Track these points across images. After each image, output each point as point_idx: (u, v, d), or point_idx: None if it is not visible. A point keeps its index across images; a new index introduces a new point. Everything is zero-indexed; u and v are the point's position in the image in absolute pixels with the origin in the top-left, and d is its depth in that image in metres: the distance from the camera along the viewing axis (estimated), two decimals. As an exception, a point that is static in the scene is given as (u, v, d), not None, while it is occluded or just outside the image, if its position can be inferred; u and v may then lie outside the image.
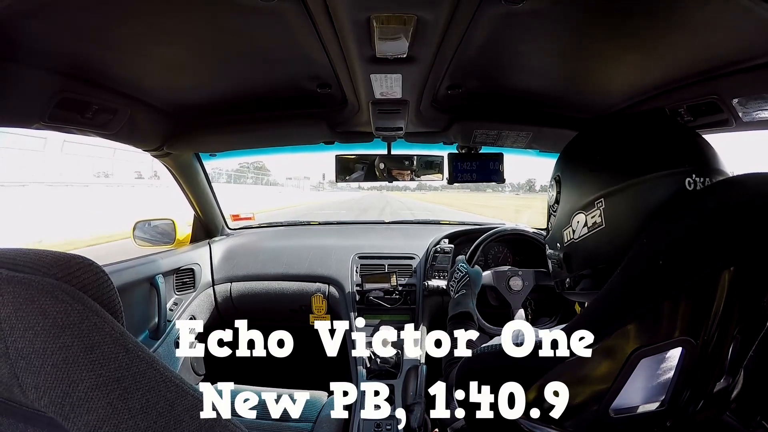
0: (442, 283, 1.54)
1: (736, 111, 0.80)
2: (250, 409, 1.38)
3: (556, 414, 0.48)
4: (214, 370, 1.80)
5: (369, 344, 1.52)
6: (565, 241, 0.59)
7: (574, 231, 0.57)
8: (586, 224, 0.55)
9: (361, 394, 1.36)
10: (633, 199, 0.50)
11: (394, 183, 1.44)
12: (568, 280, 0.62)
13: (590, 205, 0.54)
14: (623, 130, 0.57)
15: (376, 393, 1.35)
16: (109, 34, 0.71)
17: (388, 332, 1.40)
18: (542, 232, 1.49)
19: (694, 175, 0.48)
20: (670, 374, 0.48)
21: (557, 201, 0.61)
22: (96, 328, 0.35)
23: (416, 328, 1.59)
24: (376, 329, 1.58)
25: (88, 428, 0.33)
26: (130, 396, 0.35)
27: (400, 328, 1.57)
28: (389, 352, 1.43)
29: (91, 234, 8.43)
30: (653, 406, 0.48)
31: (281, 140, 1.37)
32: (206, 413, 0.39)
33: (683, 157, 0.50)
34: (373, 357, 1.45)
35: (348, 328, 1.59)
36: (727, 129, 0.86)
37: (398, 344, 1.51)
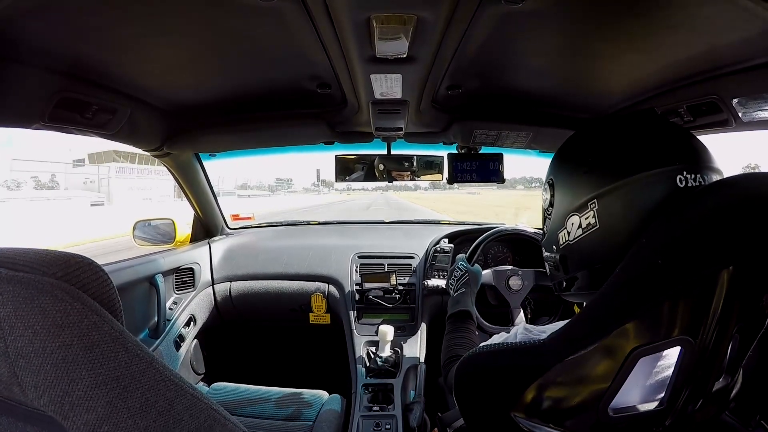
0: (441, 283, 1.55)
1: (735, 111, 0.80)
2: (250, 408, 1.40)
3: (555, 413, 0.48)
4: (214, 369, 1.80)
5: (368, 343, 1.52)
6: (561, 243, 0.59)
7: (569, 233, 0.57)
8: (580, 226, 0.55)
9: (361, 393, 1.36)
10: (625, 198, 0.50)
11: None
12: (565, 281, 0.62)
13: (583, 207, 0.54)
14: (613, 130, 0.57)
15: (376, 392, 1.36)
16: (109, 34, 0.71)
17: (387, 332, 1.41)
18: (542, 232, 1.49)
19: (685, 173, 0.49)
20: (669, 373, 0.48)
21: (551, 204, 0.61)
22: (95, 327, 0.35)
23: (416, 328, 1.59)
24: (376, 329, 1.58)
25: (87, 427, 0.33)
26: (130, 395, 0.35)
27: (399, 328, 1.57)
28: (389, 351, 1.43)
29: None
30: (652, 406, 0.48)
31: (281, 140, 1.37)
32: (205, 412, 0.39)
33: (673, 155, 0.50)
34: (372, 356, 1.45)
35: (348, 327, 1.60)
36: (727, 129, 0.86)
37: (397, 344, 1.51)
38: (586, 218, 0.54)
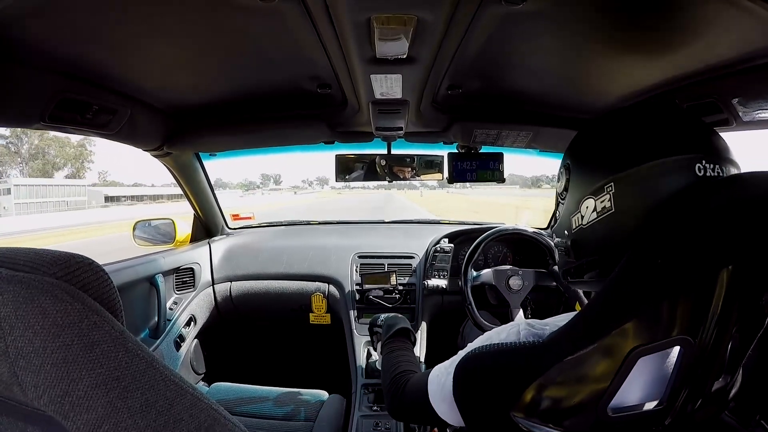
0: (441, 283, 1.54)
1: (736, 110, 0.80)
2: (250, 408, 1.40)
3: (554, 413, 0.48)
4: (214, 369, 1.80)
5: (368, 343, 1.53)
6: (573, 227, 0.59)
7: (582, 217, 0.57)
8: (595, 209, 0.54)
9: (361, 393, 1.36)
10: (643, 183, 0.50)
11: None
12: (574, 268, 0.62)
13: (600, 190, 0.53)
14: (634, 117, 0.57)
15: (376, 392, 1.36)
16: (109, 34, 0.71)
17: None
18: (542, 231, 1.50)
19: (703, 161, 0.48)
20: (669, 373, 0.48)
21: (566, 188, 0.61)
22: (96, 326, 0.35)
23: (416, 328, 1.59)
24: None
25: (87, 427, 0.33)
26: (130, 395, 0.35)
27: None
28: None
29: None
30: (651, 405, 0.48)
31: (281, 140, 1.37)
32: (205, 412, 0.39)
33: (693, 144, 0.50)
34: (372, 362, 1.45)
35: (348, 327, 1.60)
36: (727, 129, 0.86)
37: None
38: (601, 202, 0.53)
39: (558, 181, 0.64)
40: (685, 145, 0.49)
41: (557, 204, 0.65)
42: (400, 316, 1.10)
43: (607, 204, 0.53)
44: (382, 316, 1.16)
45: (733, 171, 0.50)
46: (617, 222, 0.52)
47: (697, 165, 0.48)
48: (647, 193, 0.50)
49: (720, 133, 0.54)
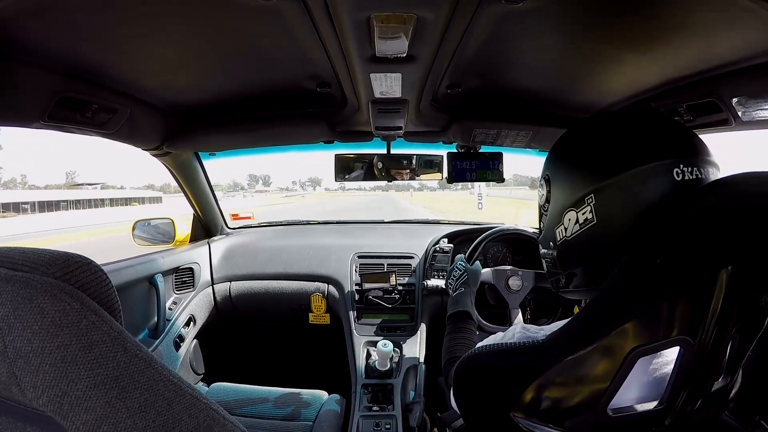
0: (441, 283, 1.55)
1: (735, 110, 0.80)
2: (250, 408, 1.40)
3: (554, 413, 0.48)
4: (214, 369, 1.80)
5: (368, 343, 1.53)
6: (558, 239, 0.59)
7: (566, 229, 0.57)
8: (577, 221, 0.55)
9: (360, 393, 1.36)
10: (622, 193, 0.50)
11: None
12: (562, 278, 0.62)
13: (580, 202, 0.54)
14: (609, 126, 0.57)
15: (376, 392, 1.36)
16: (109, 34, 0.71)
17: (387, 352, 1.39)
18: None
19: (681, 166, 0.49)
20: (669, 373, 0.48)
21: (548, 200, 0.61)
22: (94, 327, 0.35)
23: (415, 328, 1.59)
24: (377, 331, 1.58)
25: (86, 427, 0.33)
26: (129, 395, 0.35)
27: (399, 328, 1.58)
28: (388, 365, 1.42)
29: None
30: (651, 405, 0.48)
31: (281, 140, 1.37)
32: (204, 412, 0.39)
33: (669, 149, 0.50)
34: (372, 365, 1.44)
35: (347, 327, 1.60)
36: (726, 129, 0.86)
37: (397, 344, 1.51)
38: (583, 213, 0.54)
39: (539, 193, 0.65)
40: (660, 152, 0.50)
41: (540, 216, 0.65)
42: (464, 291, 1.12)
43: (589, 216, 0.53)
44: (457, 266, 1.19)
45: (712, 171, 0.51)
46: (601, 232, 0.52)
47: (675, 170, 0.48)
48: (629, 202, 0.50)
49: (718, 133, 0.54)
